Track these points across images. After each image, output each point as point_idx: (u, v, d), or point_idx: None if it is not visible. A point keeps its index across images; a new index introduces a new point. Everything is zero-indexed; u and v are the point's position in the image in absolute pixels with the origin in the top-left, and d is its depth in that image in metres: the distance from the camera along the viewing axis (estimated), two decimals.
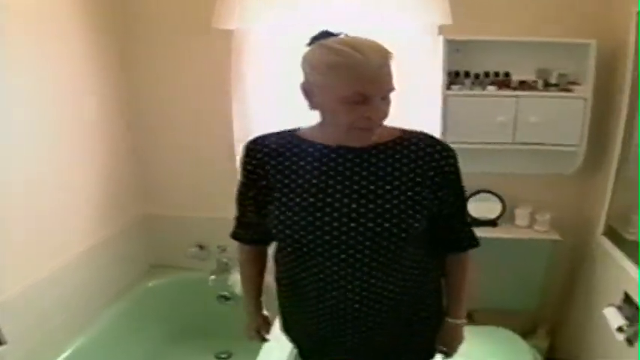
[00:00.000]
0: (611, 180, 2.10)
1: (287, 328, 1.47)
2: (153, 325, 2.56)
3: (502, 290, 2.37)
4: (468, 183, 2.29)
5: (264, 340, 1.58)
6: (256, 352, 1.88)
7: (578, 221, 2.38)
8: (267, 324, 1.56)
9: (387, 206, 1.15)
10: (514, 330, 2.25)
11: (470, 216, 2.33)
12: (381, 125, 1.14)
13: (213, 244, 2.54)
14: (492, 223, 2.38)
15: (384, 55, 1.08)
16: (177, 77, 2.45)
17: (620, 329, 1.73)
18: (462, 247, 1.36)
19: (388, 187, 1.16)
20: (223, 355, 2.56)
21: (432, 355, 1.48)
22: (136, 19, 2.40)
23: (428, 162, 1.19)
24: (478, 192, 2.40)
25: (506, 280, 2.35)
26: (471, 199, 2.39)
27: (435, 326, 1.42)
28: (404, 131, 1.24)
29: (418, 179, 1.18)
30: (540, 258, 2.31)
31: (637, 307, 1.73)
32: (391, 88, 1.11)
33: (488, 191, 2.41)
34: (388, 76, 1.09)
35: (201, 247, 2.60)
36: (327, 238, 1.15)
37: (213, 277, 2.47)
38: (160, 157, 2.61)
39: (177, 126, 2.53)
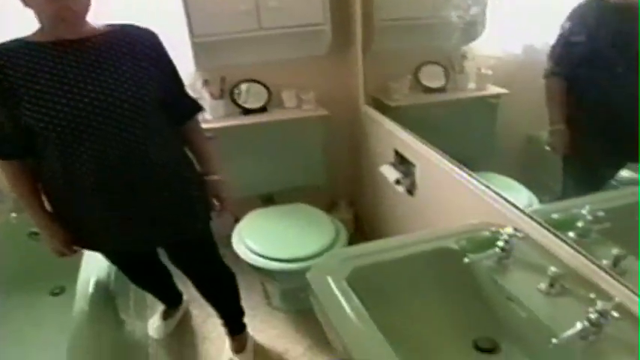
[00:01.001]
0: (360, 54, 2.18)
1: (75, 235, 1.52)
2: None
3: (290, 170, 2.43)
4: (232, 76, 2.29)
5: (75, 251, 1.56)
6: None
7: (342, 95, 2.46)
8: (68, 233, 1.50)
9: (123, 79, 1.31)
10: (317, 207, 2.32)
11: (241, 107, 2.32)
12: (84, 16, 1.28)
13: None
14: (262, 109, 2.36)
15: None
16: None
17: (398, 182, 1.85)
18: (190, 113, 1.59)
19: (118, 64, 1.32)
20: (57, 291, 2.41)
21: (209, 218, 1.67)
22: None
23: (142, 43, 1.38)
24: (243, 82, 2.33)
25: (290, 160, 2.40)
26: (237, 91, 2.33)
27: (198, 187, 1.60)
28: (113, 25, 1.39)
29: (139, 56, 1.36)
30: (314, 134, 2.37)
31: (407, 161, 1.83)
32: None
33: (252, 80, 2.35)
34: None
35: None
36: (84, 114, 1.26)
37: (14, 214, 2.23)
38: None
39: None
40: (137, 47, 1.36)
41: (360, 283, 1.10)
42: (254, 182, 2.38)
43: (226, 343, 2.01)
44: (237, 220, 2.21)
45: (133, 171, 1.37)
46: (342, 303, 1.03)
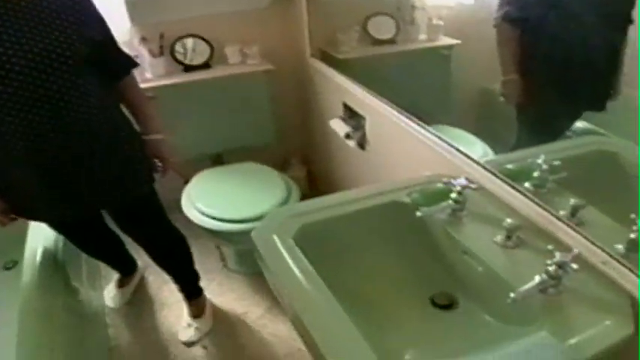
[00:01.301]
0: (304, 5, 2.07)
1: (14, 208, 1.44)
2: None
3: (237, 129, 2.31)
4: (171, 32, 2.12)
5: (14, 219, 1.47)
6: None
7: (287, 49, 2.35)
8: (4, 201, 1.41)
9: (44, 34, 1.20)
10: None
11: (183, 64, 2.17)
12: None
13: None
14: (205, 65, 2.21)
15: None
16: None
17: (348, 136, 1.78)
18: (125, 69, 1.48)
19: (38, 19, 1.20)
20: (9, 265, 2.34)
21: (152, 179, 1.59)
22: None
23: None
24: (183, 38, 2.17)
25: (237, 117, 2.28)
26: (178, 47, 2.16)
27: (138, 147, 1.52)
28: None
29: (60, 9, 1.24)
30: (260, 89, 2.26)
31: (357, 114, 1.75)
32: None
33: (193, 35, 2.19)
34: None
35: None
36: (2, 73, 1.16)
37: None
38: None
39: None
40: (58, 0, 1.24)
41: (309, 241, 1.03)
42: (200, 142, 2.27)
43: (184, 308, 1.95)
44: (186, 183, 2.10)
45: (64, 131, 1.28)
46: (289, 263, 0.96)
